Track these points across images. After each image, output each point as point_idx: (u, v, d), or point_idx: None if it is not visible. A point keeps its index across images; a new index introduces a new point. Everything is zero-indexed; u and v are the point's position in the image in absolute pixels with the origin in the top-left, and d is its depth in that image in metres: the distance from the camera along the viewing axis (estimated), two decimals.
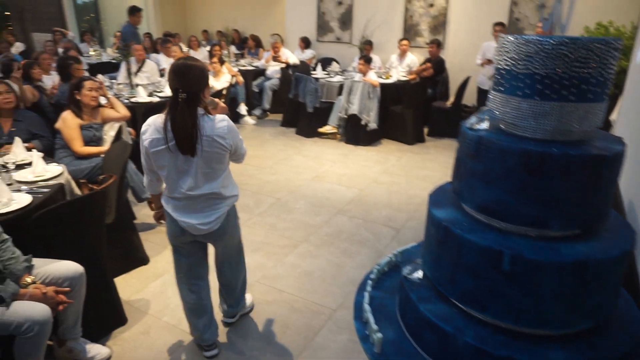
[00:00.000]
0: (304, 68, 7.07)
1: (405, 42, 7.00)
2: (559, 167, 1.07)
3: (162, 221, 2.32)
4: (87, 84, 3.44)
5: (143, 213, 3.91)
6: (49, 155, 3.24)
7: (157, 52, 7.77)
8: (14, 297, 1.87)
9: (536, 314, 1.05)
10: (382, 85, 5.97)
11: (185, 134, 1.87)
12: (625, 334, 1.22)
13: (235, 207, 2.22)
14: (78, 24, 11.56)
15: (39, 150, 3.09)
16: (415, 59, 7.12)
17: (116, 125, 3.90)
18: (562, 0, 5.57)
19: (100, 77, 5.95)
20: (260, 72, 7.67)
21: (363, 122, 5.77)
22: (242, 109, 6.96)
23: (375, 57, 7.01)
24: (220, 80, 5.68)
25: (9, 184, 2.57)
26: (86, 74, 5.31)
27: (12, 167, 2.77)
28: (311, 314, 2.72)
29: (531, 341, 1.11)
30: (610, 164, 1.11)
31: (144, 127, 1.97)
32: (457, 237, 1.04)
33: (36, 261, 2.10)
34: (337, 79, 6.50)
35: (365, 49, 6.94)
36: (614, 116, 3.80)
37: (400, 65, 7.04)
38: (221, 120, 1.97)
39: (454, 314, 1.13)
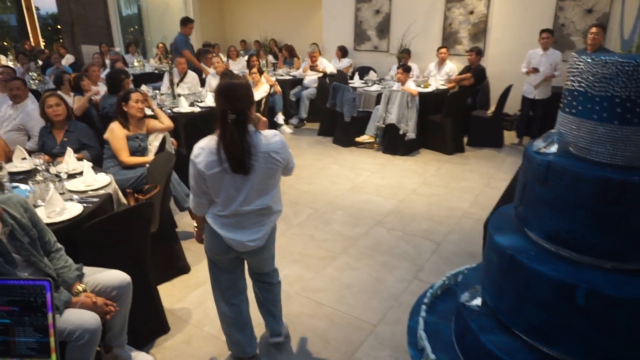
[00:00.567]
0: (341, 77, 7.07)
1: (444, 50, 6.90)
2: None
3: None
4: (134, 95, 3.55)
5: (184, 222, 3.99)
6: (97, 165, 3.36)
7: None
8: (66, 305, 1.93)
9: (610, 351, 0.98)
10: (421, 94, 5.88)
11: (237, 154, 1.88)
12: None
13: (275, 223, 2.22)
14: (123, 36, 12.04)
15: (87, 161, 3.22)
16: (454, 67, 7.00)
17: (160, 136, 4.00)
18: None
19: (144, 87, 6.15)
20: (297, 82, 7.73)
21: (401, 132, 5.70)
22: (280, 118, 7.02)
23: (413, 66, 6.93)
24: (259, 90, 5.75)
25: (61, 193, 2.68)
26: (131, 85, 5.51)
27: (64, 176, 2.89)
28: (351, 328, 2.69)
29: None
30: None
31: (196, 150, 1.95)
32: (524, 267, 0.98)
33: (86, 269, 2.17)
34: (375, 88, 6.46)
35: (404, 58, 6.87)
36: None
37: (438, 74, 6.93)
38: (274, 135, 1.99)
39: (518, 347, 1.05)
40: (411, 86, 5.84)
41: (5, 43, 9.58)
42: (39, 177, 2.80)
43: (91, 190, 2.77)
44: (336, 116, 6.31)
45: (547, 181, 1.02)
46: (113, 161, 3.57)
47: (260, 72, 6.05)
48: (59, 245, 2.13)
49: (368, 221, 4.06)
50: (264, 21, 10.71)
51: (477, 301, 1.10)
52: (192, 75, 6.49)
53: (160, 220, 2.98)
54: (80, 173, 3.00)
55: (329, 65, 7.46)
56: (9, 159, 3.37)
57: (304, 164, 5.57)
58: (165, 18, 12.07)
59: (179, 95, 5.48)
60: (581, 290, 0.92)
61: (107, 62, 7.86)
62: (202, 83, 6.64)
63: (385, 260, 3.43)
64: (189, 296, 3.01)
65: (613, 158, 1.02)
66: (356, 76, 7.11)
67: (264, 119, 2.25)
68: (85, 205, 2.53)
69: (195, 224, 2.35)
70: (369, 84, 6.69)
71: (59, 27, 12.58)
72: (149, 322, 2.58)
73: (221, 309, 2.34)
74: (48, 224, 2.19)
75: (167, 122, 3.95)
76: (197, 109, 5.11)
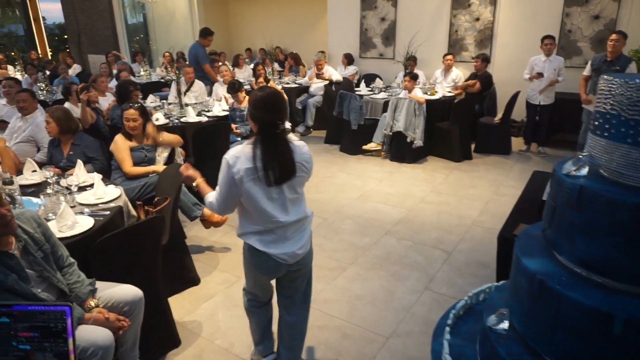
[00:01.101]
0: (347, 85, 7.07)
1: (449, 57, 6.89)
2: None
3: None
4: (126, 114, 3.52)
5: (192, 234, 3.98)
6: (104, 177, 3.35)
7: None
8: (79, 322, 1.91)
9: None
10: (428, 102, 5.87)
11: (288, 164, 1.94)
12: None
13: None
14: (129, 45, 12.12)
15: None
16: (460, 73, 6.99)
17: (169, 147, 4.00)
18: None
19: (151, 97, 6.19)
20: (303, 89, 7.74)
21: (409, 140, 5.68)
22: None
23: (419, 73, 6.93)
24: None
25: (72, 206, 2.68)
26: (140, 96, 5.52)
27: (75, 189, 2.89)
28: (364, 341, 2.66)
29: None
30: None
31: (231, 159, 1.93)
32: (556, 293, 0.95)
33: (98, 284, 2.16)
34: (382, 95, 6.45)
35: (410, 65, 6.87)
36: None
37: (445, 81, 6.92)
38: (304, 145, 2.04)
39: None
40: (418, 94, 5.83)
41: (12, 53, 9.65)
42: (49, 190, 2.81)
43: (102, 203, 2.76)
44: (343, 124, 6.30)
45: (579, 206, 1.00)
46: (119, 172, 3.58)
47: (267, 81, 6.06)
48: (72, 259, 2.12)
49: (377, 230, 4.04)
50: (270, 29, 10.76)
51: (505, 325, 1.07)
52: (199, 85, 6.51)
53: (170, 232, 2.97)
54: (91, 185, 3.00)
55: (335, 73, 7.47)
56: (19, 171, 3.39)
57: None
58: (171, 27, 12.15)
59: (186, 105, 5.50)
60: (618, 319, 0.89)
61: (115, 71, 7.90)
62: (209, 92, 6.66)
63: (395, 270, 3.41)
64: (199, 308, 2.99)
65: None
66: (362, 84, 7.11)
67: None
68: (96, 218, 2.52)
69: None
70: (376, 92, 6.68)
71: (65, 37, 12.68)
72: (160, 337, 2.56)
73: (254, 318, 2.37)
74: (60, 238, 2.18)
75: (176, 140, 3.93)
76: (204, 119, 5.12)
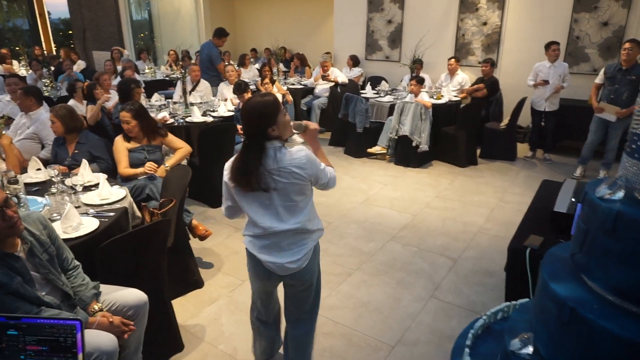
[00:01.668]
0: (353, 87, 7.04)
1: (452, 61, 6.85)
2: None
3: None
4: (120, 115, 3.49)
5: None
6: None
7: None
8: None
9: None
10: (434, 106, 5.84)
11: (241, 172, 1.92)
12: None
13: (319, 243, 2.15)
14: (134, 42, 12.09)
15: (96, 173, 3.19)
16: (466, 76, 6.95)
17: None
18: None
19: (156, 95, 6.15)
20: (308, 91, 7.71)
21: (414, 144, 5.65)
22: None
23: (425, 76, 6.88)
24: None
25: (77, 207, 2.65)
26: (143, 93, 5.49)
27: (79, 189, 2.86)
28: (369, 349, 2.62)
29: None
30: None
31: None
32: (587, 321, 0.91)
33: (102, 288, 2.13)
34: (387, 99, 6.42)
35: (416, 68, 6.83)
36: None
37: (451, 84, 6.89)
38: (299, 150, 1.94)
39: None
40: (425, 98, 5.80)
41: (17, 48, 9.62)
42: (54, 190, 2.78)
43: (107, 204, 2.73)
44: (348, 126, 6.27)
45: (615, 232, 0.96)
46: None
47: (272, 82, 6.02)
48: (76, 262, 2.09)
49: (382, 236, 4.00)
50: (275, 30, 10.73)
51: (529, 349, 1.04)
52: (204, 84, 6.47)
53: (175, 234, 2.94)
54: (95, 185, 2.97)
55: (340, 74, 7.44)
56: (23, 169, 3.36)
57: None
58: (176, 25, 12.12)
59: (192, 104, 5.47)
60: None
61: (119, 68, 7.87)
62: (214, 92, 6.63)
63: (401, 277, 3.37)
64: (202, 312, 2.96)
65: None
66: (368, 86, 7.07)
67: (312, 126, 2.15)
68: (101, 220, 2.49)
69: None
70: (382, 95, 6.65)
71: (70, 32, 12.65)
72: (164, 340, 2.53)
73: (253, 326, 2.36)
74: (64, 240, 2.15)
75: (185, 153, 3.83)
76: (210, 119, 5.09)
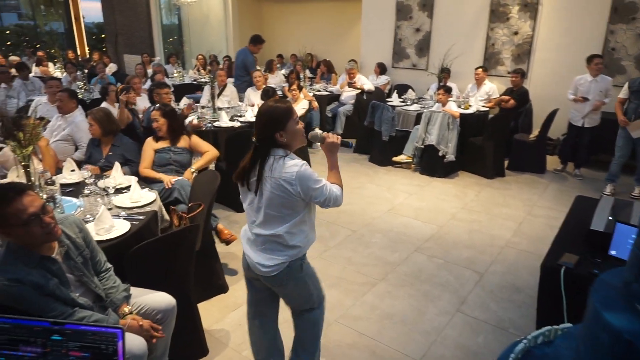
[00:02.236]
0: (379, 94, 7.02)
1: (479, 70, 6.76)
2: None
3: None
4: (152, 113, 3.61)
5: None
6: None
7: (231, 76, 8.08)
8: None
9: None
10: (462, 116, 5.76)
11: (242, 169, 2.02)
12: None
13: (304, 265, 2.10)
14: (164, 46, 12.35)
15: (127, 175, 3.26)
16: (494, 86, 6.84)
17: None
18: None
19: (184, 99, 6.26)
20: (334, 98, 7.72)
21: (440, 153, 5.58)
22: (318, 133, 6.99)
23: (452, 86, 6.82)
24: (297, 106, 5.75)
25: (109, 209, 2.70)
26: (171, 96, 5.59)
27: (111, 191, 2.92)
28: None
29: None
30: None
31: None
32: None
33: (132, 290, 2.16)
34: (414, 107, 6.37)
35: (444, 77, 6.77)
36: None
37: (478, 94, 6.79)
38: (293, 165, 1.93)
39: None
40: (453, 107, 5.73)
41: (52, 51, 9.93)
42: (87, 191, 2.85)
43: (137, 207, 2.78)
44: (373, 134, 6.24)
45: None
46: None
47: (300, 89, 6.06)
48: (109, 265, 2.13)
49: (407, 246, 3.96)
50: (302, 36, 10.80)
51: None
52: (230, 89, 6.56)
53: (202, 238, 2.97)
54: (127, 188, 3.03)
55: (367, 82, 7.42)
56: (58, 169, 3.46)
57: None
58: (205, 30, 12.33)
59: (219, 109, 5.54)
60: None
61: (150, 72, 8.05)
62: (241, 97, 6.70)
63: (426, 289, 3.33)
64: (227, 317, 2.98)
65: None
66: (394, 94, 7.04)
67: (332, 138, 2.11)
68: (132, 222, 2.54)
69: None
70: (408, 103, 6.60)
71: (102, 36, 13.01)
72: (189, 345, 2.56)
73: (248, 325, 2.35)
74: (97, 241, 2.20)
75: (211, 157, 3.85)
76: (237, 124, 5.14)
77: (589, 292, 0.97)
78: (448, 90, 5.83)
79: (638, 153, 5.06)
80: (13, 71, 7.34)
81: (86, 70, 7.59)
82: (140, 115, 5.17)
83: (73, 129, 4.23)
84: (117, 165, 3.23)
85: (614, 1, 6.10)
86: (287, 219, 1.99)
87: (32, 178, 2.64)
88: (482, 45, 7.33)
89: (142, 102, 5.59)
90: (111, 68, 9.69)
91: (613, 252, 2.20)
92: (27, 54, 11.23)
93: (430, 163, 5.77)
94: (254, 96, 6.27)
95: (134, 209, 2.76)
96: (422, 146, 5.73)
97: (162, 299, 2.17)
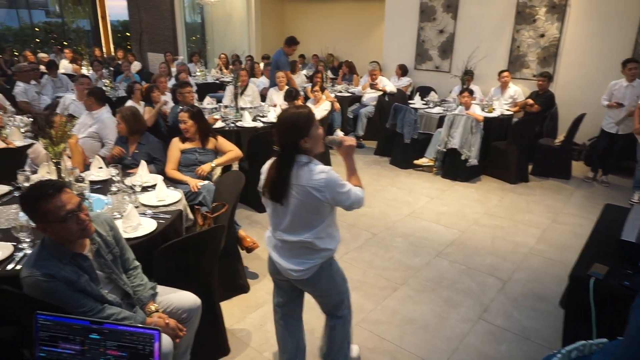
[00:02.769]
0: (401, 97, 6.98)
1: (506, 73, 6.65)
2: None
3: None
4: (180, 115, 3.63)
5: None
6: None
7: (254, 76, 8.12)
8: None
9: None
10: (485, 119, 5.69)
11: (274, 184, 1.99)
12: None
13: (333, 263, 2.17)
14: (187, 45, 12.49)
15: (152, 174, 3.30)
16: (518, 89, 6.72)
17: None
18: None
19: (207, 98, 6.32)
20: (356, 99, 7.70)
21: (463, 157, 5.52)
22: (338, 135, 7.01)
23: (475, 88, 6.73)
24: (319, 108, 5.75)
25: (135, 207, 2.74)
26: (195, 95, 5.65)
27: (138, 189, 2.96)
28: None
29: None
30: None
31: (265, 166, 2.10)
32: None
33: (158, 289, 2.19)
34: (437, 110, 6.32)
35: (467, 80, 6.69)
36: None
37: (502, 97, 6.68)
38: (320, 172, 1.94)
39: None
40: (477, 111, 5.66)
41: (79, 48, 10.14)
42: (114, 188, 2.90)
43: (162, 206, 2.82)
44: (395, 136, 6.21)
45: None
46: None
47: (322, 90, 6.06)
48: (137, 262, 2.16)
49: (429, 251, 3.93)
50: (324, 36, 10.79)
51: None
52: (252, 89, 6.60)
53: (225, 239, 2.99)
54: (152, 186, 3.07)
55: (389, 84, 7.38)
56: (85, 166, 3.53)
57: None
58: (228, 29, 12.43)
59: (242, 109, 5.58)
60: None
61: (173, 70, 8.15)
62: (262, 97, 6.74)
63: (448, 295, 3.29)
64: (248, 317, 3.00)
65: None
66: (417, 96, 6.99)
67: (348, 142, 2.11)
68: (158, 221, 2.57)
69: None
70: (431, 106, 6.54)
71: (127, 34, 13.23)
72: (211, 343, 2.58)
73: (275, 325, 2.41)
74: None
75: (233, 156, 3.85)
76: (259, 124, 5.17)
77: (630, 309, 0.94)
78: (472, 93, 5.75)
79: None
80: (42, 68, 7.52)
81: (111, 68, 7.72)
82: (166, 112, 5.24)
83: (100, 126, 4.31)
84: (143, 163, 3.27)
85: None
86: (314, 224, 2.01)
87: (63, 175, 2.70)
88: (507, 47, 7.22)
89: (167, 101, 5.66)
90: (135, 66, 9.84)
91: None
92: (54, 51, 11.49)
93: (452, 167, 5.71)
94: (276, 97, 6.29)
95: (159, 208, 2.79)
96: (445, 150, 5.68)
97: (187, 298, 2.19)
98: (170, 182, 3.47)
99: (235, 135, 4.91)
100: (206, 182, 3.58)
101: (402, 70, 8.08)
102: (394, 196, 5.18)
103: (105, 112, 4.47)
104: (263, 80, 7.75)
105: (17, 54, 10.74)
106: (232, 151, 3.82)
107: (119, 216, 2.59)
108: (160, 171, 3.61)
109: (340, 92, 7.77)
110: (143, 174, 3.17)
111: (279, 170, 1.97)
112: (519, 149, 5.62)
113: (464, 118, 5.48)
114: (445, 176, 5.79)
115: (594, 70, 6.39)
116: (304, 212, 1.98)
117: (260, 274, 3.49)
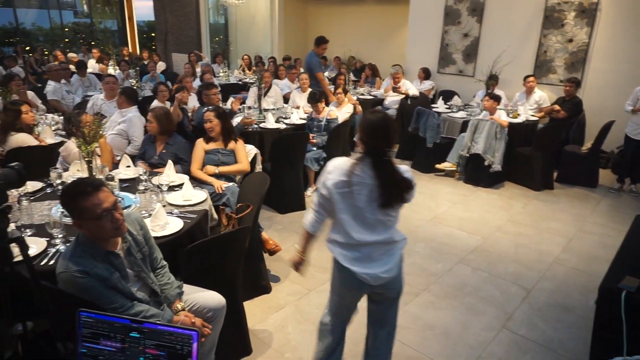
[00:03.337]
0: (424, 100, 6.93)
1: (532, 78, 6.52)
2: None
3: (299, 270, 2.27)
4: (206, 114, 3.68)
5: None
6: None
7: (278, 77, 8.16)
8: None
9: None
10: (510, 125, 5.60)
11: (399, 189, 1.96)
12: None
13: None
14: (210, 46, 12.65)
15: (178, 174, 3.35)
16: (544, 95, 6.59)
17: (252, 152, 4.09)
18: None
19: (231, 98, 6.38)
20: (378, 102, 7.68)
21: (486, 163, 5.45)
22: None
23: (500, 93, 6.63)
24: (342, 110, 5.76)
25: (162, 206, 2.79)
26: (219, 96, 5.71)
27: (165, 188, 3.02)
28: None
29: None
30: None
31: (330, 167, 2.02)
32: None
33: (184, 287, 2.23)
34: (460, 114, 6.25)
35: (492, 85, 6.60)
36: None
37: (527, 103, 6.57)
38: (406, 170, 2.01)
39: None
40: (502, 116, 5.58)
41: (107, 48, 10.36)
42: (141, 187, 2.96)
43: (189, 205, 2.86)
44: (417, 140, 6.17)
45: None
46: None
47: (345, 92, 6.06)
48: (164, 262, 2.20)
49: (451, 257, 3.89)
50: (348, 38, 10.78)
51: None
52: (275, 90, 6.64)
53: (250, 240, 3.02)
54: (179, 186, 3.12)
55: (411, 87, 7.34)
56: (114, 165, 3.61)
57: None
58: (251, 31, 12.54)
59: (265, 110, 5.62)
60: None
61: (198, 71, 8.26)
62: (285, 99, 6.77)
63: (470, 302, 3.26)
64: (270, 318, 3.02)
65: None
66: (440, 100, 6.93)
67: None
68: (185, 220, 2.61)
69: (300, 249, 2.22)
70: (454, 110, 6.48)
71: (152, 34, 13.47)
72: (234, 343, 2.61)
73: (321, 335, 2.31)
74: None
75: (240, 168, 3.83)
76: (282, 126, 5.20)
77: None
78: (496, 98, 5.67)
79: None
80: (72, 68, 7.71)
81: (138, 68, 7.87)
82: (190, 114, 5.31)
83: (127, 124, 4.40)
84: (170, 163, 3.33)
85: None
86: (394, 222, 2.05)
87: (94, 173, 2.77)
88: (533, 52, 7.11)
89: (192, 102, 5.74)
90: (160, 66, 10.02)
91: None
92: (82, 50, 11.79)
93: (475, 172, 5.64)
94: (299, 98, 6.32)
95: (186, 207, 2.84)
96: (468, 155, 5.62)
97: (213, 298, 2.22)
98: (195, 182, 3.54)
99: (259, 136, 4.95)
100: (231, 183, 3.62)
101: (425, 74, 8.03)
102: (415, 201, 5.06)
103: (134, 110, 4.56)
104: (286, 83, 7.78)
105: (47, 53, 11.05)
106: (241, 163, 3.78)
107: (147, 214, 2.64)
108: (186, 171, 3.66)
109: (363, 94, 7.76)
110: (170, 174, 3.23)
111: (390, 175, 1.95)
112: (544, 155, 5.53)
113: (488, 123, 5.41)
114: (467, 181, 5.73)
115: (623, 77, 6.24)
116: (391, 211, 2.00)
117: (281, 277, 3.51)
